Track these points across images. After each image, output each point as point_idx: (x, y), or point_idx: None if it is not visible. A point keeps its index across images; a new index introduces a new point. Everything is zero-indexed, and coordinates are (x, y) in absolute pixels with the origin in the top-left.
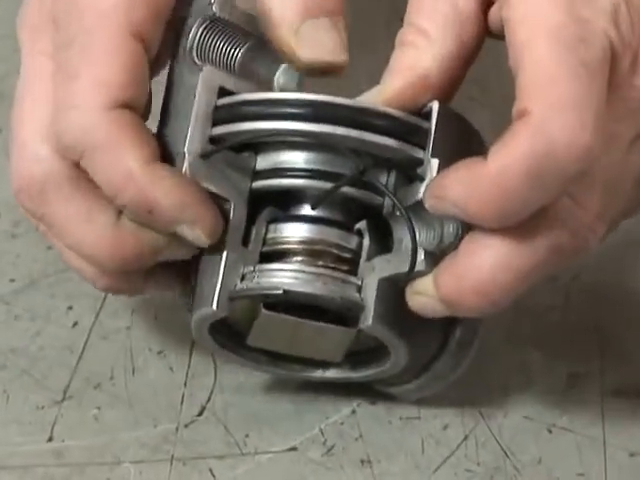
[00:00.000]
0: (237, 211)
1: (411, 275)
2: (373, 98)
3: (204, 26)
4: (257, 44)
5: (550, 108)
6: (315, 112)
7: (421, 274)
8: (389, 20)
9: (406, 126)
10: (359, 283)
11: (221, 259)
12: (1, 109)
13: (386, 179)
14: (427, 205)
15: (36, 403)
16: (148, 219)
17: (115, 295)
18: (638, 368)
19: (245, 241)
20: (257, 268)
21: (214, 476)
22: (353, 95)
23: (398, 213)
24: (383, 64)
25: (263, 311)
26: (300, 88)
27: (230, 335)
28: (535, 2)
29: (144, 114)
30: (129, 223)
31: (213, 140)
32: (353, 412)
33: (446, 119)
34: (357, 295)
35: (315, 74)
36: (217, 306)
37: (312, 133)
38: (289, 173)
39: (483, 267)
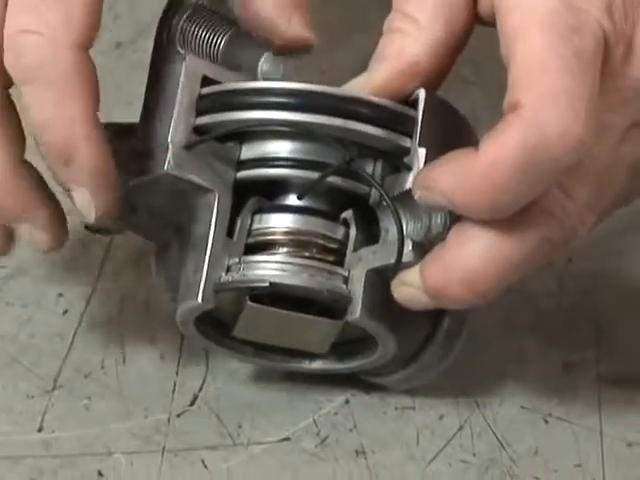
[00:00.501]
0: (222, 202)
1: (398, 266)
2: (361, 86)
3: (186, 15)
4: (240, 32)
5: (542, 99)
6: (301, 101)
7: (409, 265)
8: None
9: (392, 114)
10: (346, 274)
11: (206, 250)
12: None
13: (372, 168)
14: (416, 196)
15: (26, 392)
16: (58, 169)
17: None
18: (634, 356)
19: (230, 232)
20: (242, 260)
21: (206, 467)
22: (342, 77)
23: (385, 204)
24: (375, 42)
25: (249, 303)
26: (284, 75)
27: (215, 326)
28: None
29: None
30: (28, 176)
31: (197, 130)
32: (347, 402)
33: (433, 107)
34: (344, 287)
35: (285, 53)
36: (202, 299)
37: (298, 122)
38: (274, 163)
39: (471, 258)
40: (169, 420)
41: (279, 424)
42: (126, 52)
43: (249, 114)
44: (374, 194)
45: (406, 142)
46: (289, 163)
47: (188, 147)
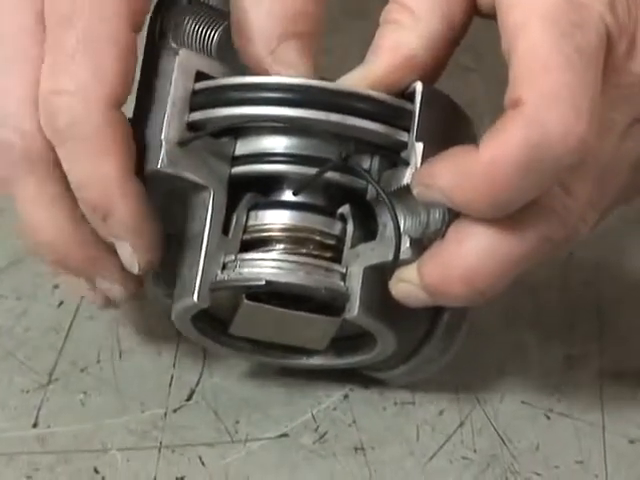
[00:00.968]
0: (217, 198)
1: (396, 263)
2: (357, 80)
3: (179, 8)
4: None
5: (544, 97)
6: (296, 96)
7: (407, 262)
8: None
9: (389, 108)
10: (343, 271)
11: (201, 248)
12: None
13: (369, 163)
14: (415, 192)
15: (21, 386)
16: (97, 224)
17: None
18: (637, 349)
19: (225, 229)
20: (238, 257)
21: (204, 464)
22: (341, 68)
23: (382, 200)
24: (374, 29)
25: (245, 302)
26: None
27: (212, 323)
28: None
29: None
30: (88, 225)
31: (191, 126)
32: (346, 397)
33: (431, 100)
34: (342, 284)
35: None
36: (198, 297)
37: (295, 118)
38: (270, 158)
39: (470, 256)
40: (166, 415)
41: (277, 420)
42: None
43: (244, 110)
44: (371, 189)
45: (403, 136)
46: (285, 159)
47: (182, 144)
